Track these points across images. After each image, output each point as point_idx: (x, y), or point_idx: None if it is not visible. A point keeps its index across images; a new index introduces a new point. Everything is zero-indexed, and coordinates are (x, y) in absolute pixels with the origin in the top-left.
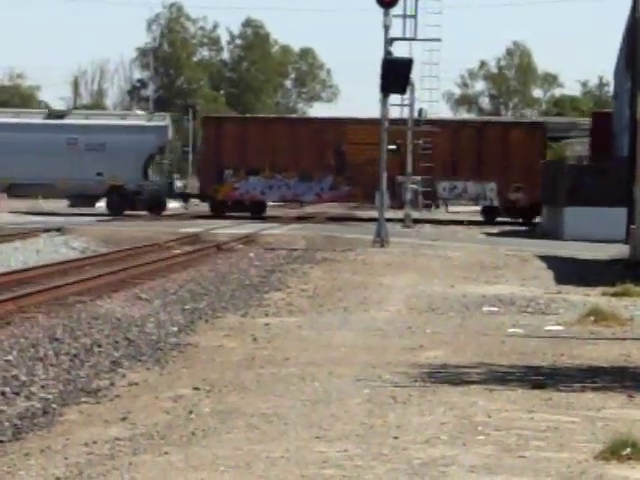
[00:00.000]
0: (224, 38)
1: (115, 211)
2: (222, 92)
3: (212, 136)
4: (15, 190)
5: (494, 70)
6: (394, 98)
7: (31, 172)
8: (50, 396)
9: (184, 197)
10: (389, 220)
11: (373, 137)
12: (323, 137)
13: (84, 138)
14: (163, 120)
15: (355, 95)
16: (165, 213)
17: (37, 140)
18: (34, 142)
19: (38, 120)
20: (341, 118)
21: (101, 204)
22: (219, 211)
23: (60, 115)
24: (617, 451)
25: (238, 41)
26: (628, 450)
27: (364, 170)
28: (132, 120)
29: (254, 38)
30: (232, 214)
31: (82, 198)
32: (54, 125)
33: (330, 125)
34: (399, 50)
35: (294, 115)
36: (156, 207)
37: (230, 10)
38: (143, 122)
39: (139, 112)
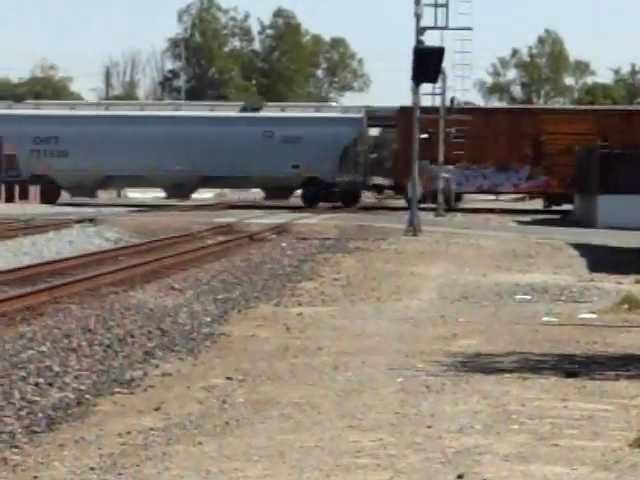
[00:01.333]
0: (255, 28)
1: (310, 203)
2: (254, 82)
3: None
4: (210, 182)
5: (526, 58)
6: (426, 87)
7: (226, 165)
8: (84, 387)
9: (379, 189)
10: (422, 209)
11: (571, 126)
12: (519, 127)
13: (280, 130)
14: (358, 112)
15: (387, 84)
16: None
17: (233, 133)
18: (230, 135)
19: (233, 113)
20: (537, 108)
21: (295, 196)
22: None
23: (255, 108)
24: None
25: (269, 31)
26: None
27: (560, 159)
28: (327, 112)
29: (285, 28)
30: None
31: (277, 190)
32: (250, 118)
33: (526, 114)
34: (430, 39)
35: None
36: (351, 199)
37: (261, 0)
38: (338, 114)
39: (333, 104)
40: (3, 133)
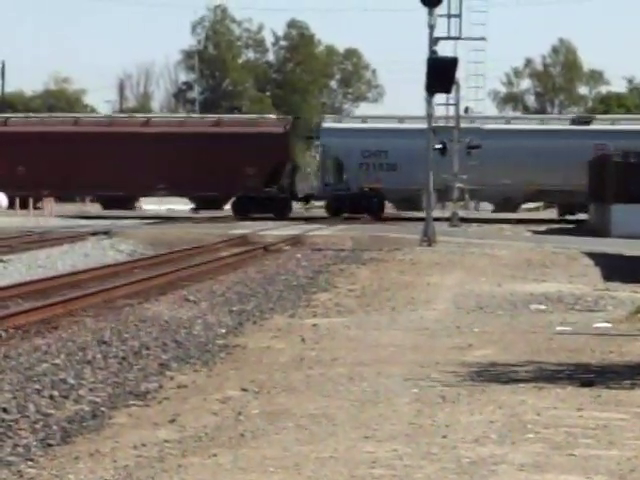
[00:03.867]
0: (269, 40)
1: None
2: (268, 93)
3: None
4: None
5: (539, 68)
6: (440, 97)
7: (559, 178)
8: (99, 399)
9: None
10: (436, 219)
11: None
12: None
13: (613, 144)
14: None
15: (401, 95)
16: None
17: (563, 146)
18: (562, 148)
19: (563, 126)
20: None
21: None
22: None
23: (586, 121)
24: None
25: (283, 42)
26: None
27: None
28: None
29: (299, 39)
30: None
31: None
32: (580, 131)
33: None
34: (444, 49)
35: None
36: None
37: (275, 11)
38: None
39: None
40: (330, 147)
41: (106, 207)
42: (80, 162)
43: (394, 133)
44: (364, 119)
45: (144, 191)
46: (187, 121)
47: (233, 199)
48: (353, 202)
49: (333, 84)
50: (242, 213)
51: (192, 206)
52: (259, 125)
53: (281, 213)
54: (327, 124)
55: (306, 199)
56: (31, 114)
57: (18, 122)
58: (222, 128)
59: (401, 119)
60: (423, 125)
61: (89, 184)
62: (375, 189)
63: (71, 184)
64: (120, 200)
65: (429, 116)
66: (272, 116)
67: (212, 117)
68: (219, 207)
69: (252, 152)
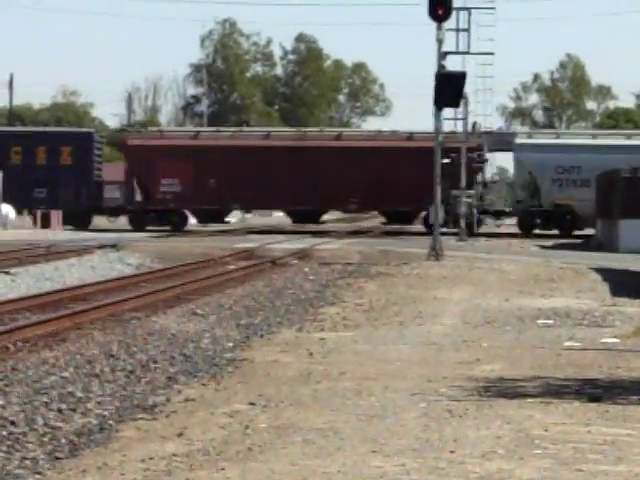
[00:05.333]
0: (277, 53)
1: None
2: (276, 107)
3: None
4: None
5: (547, 83)
6: (448, 112)
7: None
8: (106, 412)
9: None
10: (444, 234)
11: None
12: None
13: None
14: None
15: (408, 109)
16: None
17: None
18: None
19: None
20: None
21: None
22: None
23: None
24: None
25: (291, 56)
26: None
27: None
28: None
29: (307, 53)
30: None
31: None
32: None
33: None
34: (452, 64)
35: None
36: None
37: (283, 25)
38: None
39: None
40: (524, 162)
41: (295, 221)
42: (271, 176)
43: (588, 149)
44: (558, 134)
45: (334, 205)
46: (378, 136)
47: (424, 213)
48: (545, 218)
49: (341, 98)
50: (430, 227)
51: (383, 220)
52: (455, 140)
53: (471, 229)
54: (520, 139)
55: (496, 214)
56: (222, 128)
57: (208, 136)
58: (415, 143)
59: (594, 135)
60: (618, 141)
61: (279, 198)
62: (567, 205)
63: (261, 198)
64: (310, 214)
65: (437, 131)
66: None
67: (404, 132)
68: (410, 222)
69: (445, 167)
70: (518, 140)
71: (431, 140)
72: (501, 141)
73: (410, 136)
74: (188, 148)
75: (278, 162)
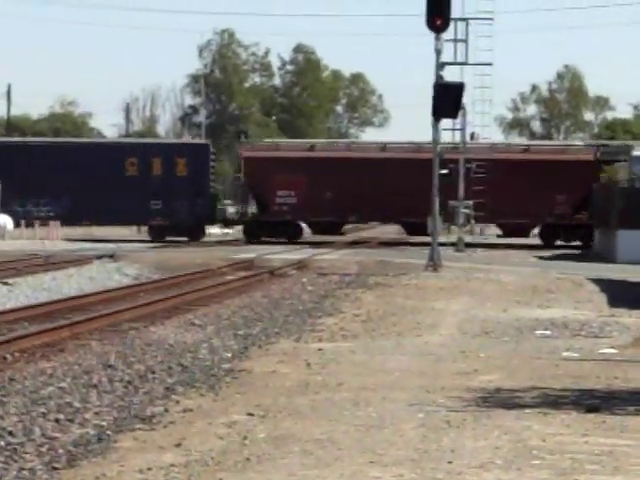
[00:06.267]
0: (275, 64)
1: None
2: (274, 118)
3: None
4: None
5: (545, 94)
6: (446, 122)
7: None
8: (104, 423)
9: None
10: (442, 244)
11: None
12: None
13: None
14: None
15: (406, 120)
16: None
17: None
18: None
19: None
20: None
21: None
22: None
23: None
24: None
25: (289, 67)
26: None
27: None
28: None
29: (305, 64)
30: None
31: None
32: None
33: None
34: (450, 74)
35: None
36: None
37: (281, 36)
38: None
39: None
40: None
41: (410, 233)
42: (385, 188)
43: None
44: None
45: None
46: (498, 147)
47: (539, 226)
48: None
49: (339, 109)
50: (549, 240)
51: (499, 233)
52: (569, 153)
53: (587, 241)
54: (638, 152)
55: None
56: (339, 140)
57: (325, 147)
58: (532, 155)
59: None
60: None
61: (394, 209)
62: None
63: (376, 209)
64: (422, 226)
65: (435, 142)
66: (579, 143)
67: (520, 145)
68: (526, 234)
69: (562, 180)
70: (635, 152)
71: (548, 153)
72: (614, 152)
73: (526, 148)
74: (304, 160)
75: (393, 174)
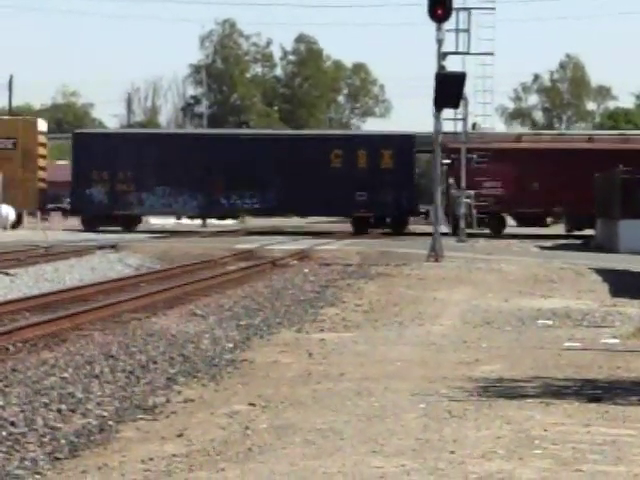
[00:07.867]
0: (277, 54)
1: None
2: (275, 108)
3: None
4: None
5: (547, 83)
6: (447, 112)
7: None
8: (106, 413)
9: None
10: (444, 235)
11: None
12: None
13: None
14: None
15: (408, 110)
16: None
17: None
18: None
19: None
20: None
21: None
22: None
23: None
24: None
25: (291, 57)
26: None
27: None
28: None
29: (307, 54)
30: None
31: None
32: None
33: None
34: (452, 64)
35: None
36: None
37: (283, 26)
38: None
39: None
40: None
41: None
42: (592, 179)
43: None
44: None
45: None
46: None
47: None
48: None
49: (341, 99)
50: None
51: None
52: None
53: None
54: None
55: None
56: (543, 132)
57: (531, 139)
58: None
59: None
60: None
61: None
62: None
63: (585, 201)
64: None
65: (436, 132)
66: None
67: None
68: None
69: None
70: None
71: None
72: None
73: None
74: (511, 151)
75: (599, 165)
